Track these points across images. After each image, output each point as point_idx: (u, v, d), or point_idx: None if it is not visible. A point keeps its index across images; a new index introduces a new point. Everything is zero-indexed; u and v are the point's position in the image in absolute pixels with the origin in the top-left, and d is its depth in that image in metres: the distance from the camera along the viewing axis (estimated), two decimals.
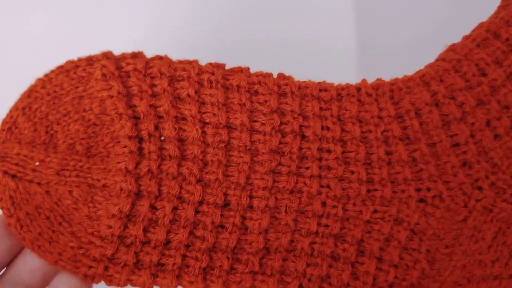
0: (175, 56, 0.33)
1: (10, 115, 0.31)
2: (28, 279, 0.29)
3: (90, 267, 0.29)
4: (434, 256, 0.32)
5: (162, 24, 0.54)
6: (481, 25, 0.35)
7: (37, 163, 0.30)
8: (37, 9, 0.55)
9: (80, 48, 0.35)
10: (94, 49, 0.33)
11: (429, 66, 0.35)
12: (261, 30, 0.54)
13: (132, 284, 0.30)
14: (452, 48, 0.35)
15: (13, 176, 0.30)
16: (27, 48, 0.54)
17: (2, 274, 0.30)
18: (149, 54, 0.33)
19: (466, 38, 0.35)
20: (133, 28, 0.53)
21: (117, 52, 0.32)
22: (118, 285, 0.30)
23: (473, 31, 0.35)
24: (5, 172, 0.30)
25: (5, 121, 0.31)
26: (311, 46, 0.53)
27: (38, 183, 0.30)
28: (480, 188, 0.33)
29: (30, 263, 0.30)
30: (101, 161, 0.31)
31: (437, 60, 0.35)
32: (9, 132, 0.31)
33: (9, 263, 0.30)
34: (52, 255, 0.30)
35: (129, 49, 0.33)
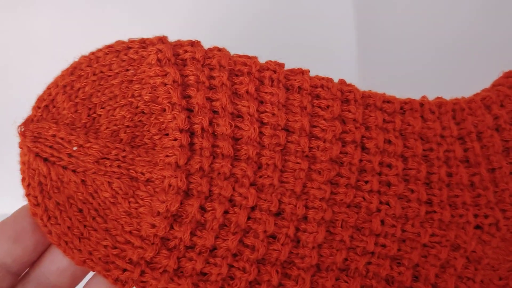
0: None
1: (48, 92, 0.28)
2: (55, 279, 0.26)
3: (125, 270, 0.26)
4: (487, 287, 0.30)
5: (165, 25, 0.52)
6: None
7: (75, 148, 0.27)
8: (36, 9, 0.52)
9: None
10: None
11: (488, 90, 0.34)
12: (260, 31, 0.53)
13: None
14: (510, 75, 0.34)
15: (46, 160, 0.27)
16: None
17: (26, 273, 0.26)
18: None
19: None
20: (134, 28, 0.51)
21: None
22: None
23: None
24: (37, 155, 0.27)
25: (41, 98, 0.28)
26: (310, 47, 0.52)
27: (74, 171, 0.27)
28: None
29: (57, 263, 0.26)
30: (146, 153, 0.28)
31: (494, 85, 0.35)
32: (46, 111, 0.28)
33: (34, 262, 0.26)
34: (81, 254, 0.26)
35: None
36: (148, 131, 0.29)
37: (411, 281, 0.29)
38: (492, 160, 0.31)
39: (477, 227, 0.31)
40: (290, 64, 0.30)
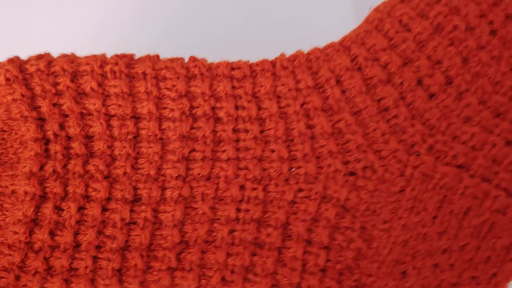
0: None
1: None
2: None
3: (1, 277, 0.28)
4: (371, 234, 0.29)
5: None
6: None
7: None
8: None
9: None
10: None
11: (353, 30, 0.32)
12: (260, 30, 0.53)
13: None
14: (376, 8, 0.32)
15: None
16: None
17: None
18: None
19: None
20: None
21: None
22: None
23: None
24: None
25: None
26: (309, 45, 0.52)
27: None
28: (417, 154, 0.30)
29: None
30: (11, 167, 0.30)
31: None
32: None
33: None
34: None
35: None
36: (11, 146, 0.30)
37: (282, 241, 0.28)
38: (357, 102, 0.30)
39: (352, 173, 0.30)
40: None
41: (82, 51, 0.33)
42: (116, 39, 0.50)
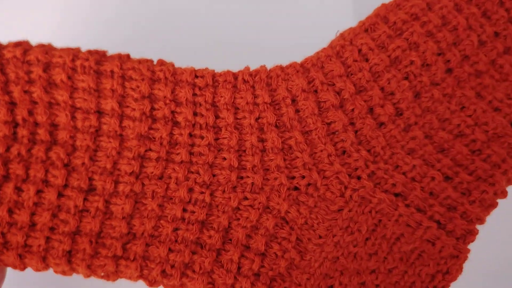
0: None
1: None
2: None
3: None
4: (305, 247, 0.31)
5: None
6: (374, 10, 0.34)
7: None
8: None
9: None
10: None
11: (315, 53, 0.34)
12: (259, 30, 0.54)
13: (4, 264, 0.31)
14: (341, 34, 0.34)
15: None
16: None
17: None
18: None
19: (358, 23, 0.34)
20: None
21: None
22: None
23: (367, 16, 0.34)
24: None
25: None
26: (310, 46, 0.52)
27: None
28: (358, 178, 0.31)
29: None
30: None
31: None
32: None
33: None
34: None
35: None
36: None
37: (222, 244, 0.31)
38: (309, 122, 0.31)
39: (296, 188, 0.32)
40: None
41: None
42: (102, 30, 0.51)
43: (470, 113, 0.32)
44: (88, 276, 0.32)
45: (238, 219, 0.31)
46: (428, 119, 0.32)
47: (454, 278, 0.31)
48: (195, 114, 0.32)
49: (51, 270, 0.32)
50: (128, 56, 0.33)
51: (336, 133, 0.31)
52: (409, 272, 0.31)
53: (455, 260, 0.31)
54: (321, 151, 0.31)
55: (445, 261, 0.31)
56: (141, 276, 0.31)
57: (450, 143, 0.32)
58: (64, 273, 0.31)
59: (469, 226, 0.31)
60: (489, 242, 0.41)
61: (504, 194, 0.32)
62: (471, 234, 0.31)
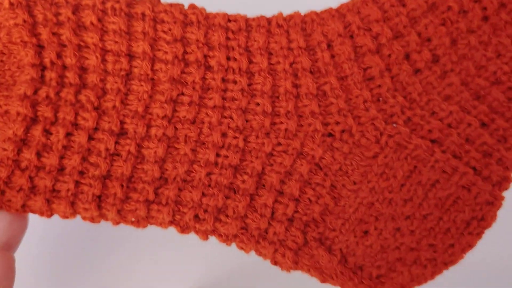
0: None
1: None
2: None
3: None
4: (339, 193, 0.31)
5: None
6: None
7: None
8: None
9: None
10: None
11: None
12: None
13: (31, 211, 0.30)
14: None
15: None
16: None
17: None
18: None
19: None
20: None
21: None
22: (16, 210, 0.30)
23: None
24: None
25: None
26: None
27: None
28: (394, 124, 0.31)
29: None
30: (7, 89, 0.31)
31: None
32: None
33: None
34: None
35: None
36: (9, 69, 0.31)
37: (255, 189, 0.30)
38: (344, 68, 0.31)
39: (330, 134, 0.31)
40: None
41: None
42: None
43: (506, 61, 0.31)
44: (117, 223, 0.31)
45: (272, 164, 0.30)
46: (465, 65, 0.31)
47: (488, 225, 0.31)
48: (228, 58, 0.31)
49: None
50: (158, 0, 0.32)
51: (373, 78, 0.31)
52: (444, 218, 0.31)
53: (490, 207, 0.31)
54: (357, 97, 0.31)
55: (480, 207, 0.31)
56: (173, 222, 0.30)
57: (486, 90, 0.31)
58: (92, 219, 0.31)
59: (505, 172, 0.31)
60: (489, 242, 0.41)
61: None
62: (506, 180, 0.31)
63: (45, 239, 0.47)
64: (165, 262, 0.48)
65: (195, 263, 0.48)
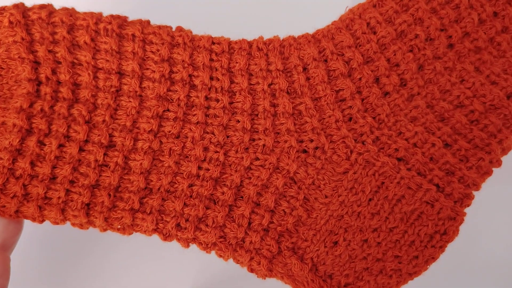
0: None
1: None
2: None
3: None
4: (312, 205, 0.33)
5: None
6: None
7: None
8: None
9: None
10: None
11: (326, 26, 0.36)
12: (258, 28, 0.55)
13: (23, 216, 0.32)
14: (350, 9, 0.36)
15: None
16: None
17: None
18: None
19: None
20: None
21: None
22: (10, 216, 0.32)
23: None
24: None
25: None
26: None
27: None
28: (363, 143, 0.33)
29: None
30: (4, 101, 0.33)
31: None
32: None
33: None
34: None
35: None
36: (7, 83, 0.34)
37: (234, 200, 0.32)
38: (318, 89, 0.33)
39: (304, 151, 0.33)
40: None
41: (82, 8, 0.36)
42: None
43: (469, 86, 0.34)
44: (105, 229, 0.33)
45: (250, 177, 0.33)
46: (430, 89, 0.34)
47: (451, 239, 0.33)
48: (211, 78, 0.33)
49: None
50: (148, 22, 0.35)
51: (344, 100, 0.33)
52: (409, 231, 0.33)
53: (452, 222, 0.33)
54: (329, 116, 0.33)
55: (443, 222, 0.33)
56: (156, 230, 0.33)
57: (450, 112, 0.34)
58: (81, 226, 0.33)
59: (466, 190, 0.33)
60: (489, 242, 0.42)
61: (499, 163, 0.34)
62: (467, 198, 0.33)
63: (45, 239, 0.48)
64: (164, 262, 0.49)
65: (194, 263, 0.49)
